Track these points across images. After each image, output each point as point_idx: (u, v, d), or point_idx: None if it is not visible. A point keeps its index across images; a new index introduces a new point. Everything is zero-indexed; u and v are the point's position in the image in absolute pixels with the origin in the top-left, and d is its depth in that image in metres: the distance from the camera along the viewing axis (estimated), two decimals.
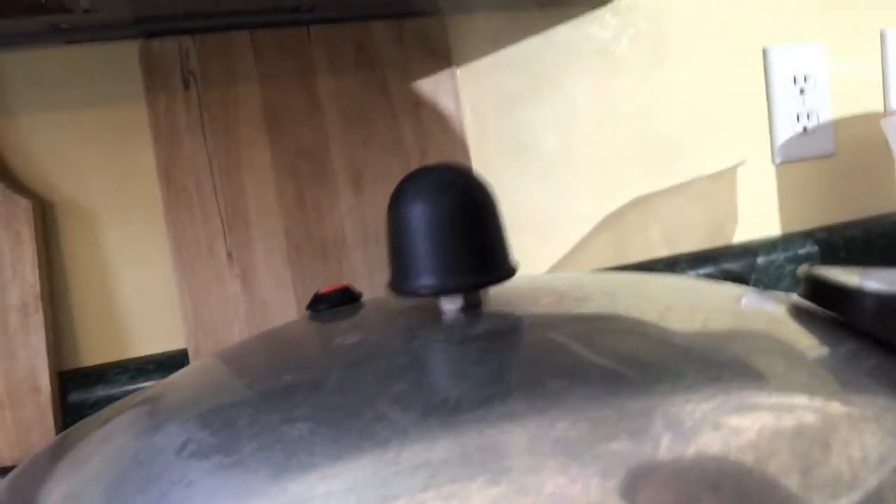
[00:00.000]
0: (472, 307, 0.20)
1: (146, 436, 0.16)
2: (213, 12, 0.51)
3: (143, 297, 0.55)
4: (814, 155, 0.72)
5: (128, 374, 0.54)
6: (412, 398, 0.14)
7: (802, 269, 0.20)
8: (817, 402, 0.14)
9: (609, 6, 0.66)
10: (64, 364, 0.54)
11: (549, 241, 0.65)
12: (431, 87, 0.60)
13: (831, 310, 0.18)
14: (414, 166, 0.59)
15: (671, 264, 0.66)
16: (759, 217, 0.71)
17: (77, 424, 0.26)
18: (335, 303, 0.25)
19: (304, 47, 0.57)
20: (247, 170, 0.55)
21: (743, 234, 0.71)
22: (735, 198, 0.71)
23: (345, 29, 0.57)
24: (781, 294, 0.21)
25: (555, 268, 0.65)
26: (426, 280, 0.19)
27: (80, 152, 0.54)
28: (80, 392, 0.53)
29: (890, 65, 0.74)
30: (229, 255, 0.54)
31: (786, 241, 0.70)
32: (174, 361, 0.54)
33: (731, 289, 0.21)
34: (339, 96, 0.57)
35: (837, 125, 0.73)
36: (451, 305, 0.20)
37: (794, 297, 0.20)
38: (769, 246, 0.69)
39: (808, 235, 0.71)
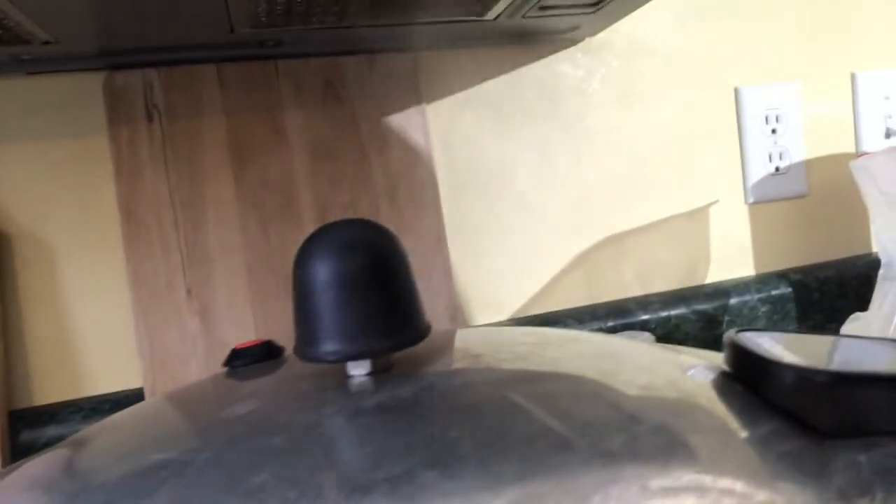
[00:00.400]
0: (382, 371, 0.19)
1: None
2: (178, 45, 0.51)
3: (100, 333, 0.54)
4: (786, 195, 0.72)
5: (81, 414, 0.52)
6: (271, 491, 0.12)
7: (728, 334, 0.19)
8: (732, 486, 0.14)
9: (580, 45, 0.66)
10: (14, 403, 0.52)
11: (519, 279, 0.64)
12: (401, 123, 0.59)
13: (751, 380, 0.17)
14: (382, 202, 0.59)
15: (643, 304, 0.66)
16: (732, 257, 0.71)
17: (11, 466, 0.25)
18: (254, 358, 0.24)
19: (271, 81, 0.56)
20: (210, 204, 0.54)
21: (716, 274, 0.70)
22: (708, 237, 0.70)
23: (313, 64, 0.57)
24: (713, 356, 0.20)
25: (525, 306, 0.64)
26: (331, 345, 0.18)
27: (39, 184, 0.53)
28: (31, 432, 0.51)
29: (861, 107, 0.74)
30: (188, 291, 0.53)
31: (759, 281, 0.69)
32: (129, 400, 0.53)
33: (655, 351, 0.20)
34: (307, 131, 0.57)
35: (810, 166, 0.73)
36: (358, 370, 0.19)
37: (721, 364, 0.19)
38: (742, 287, 0.69)
39: (781, 276, 0.70)
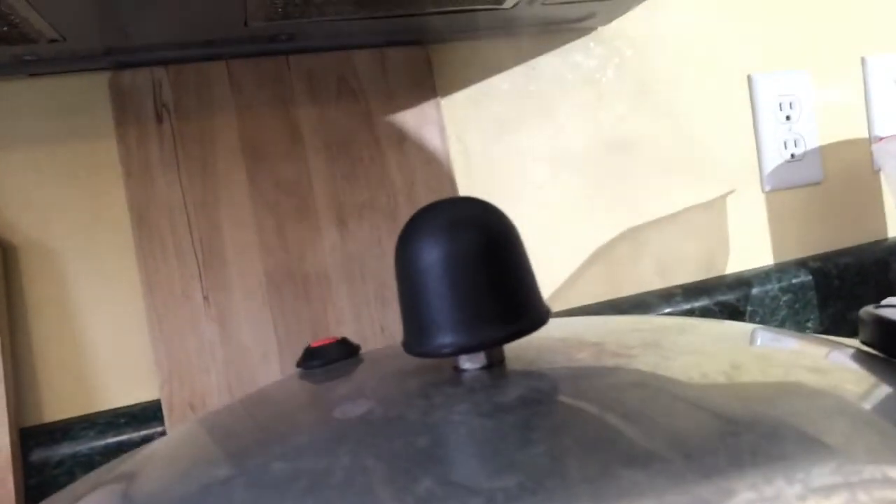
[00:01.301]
0: (496, 364, 0.17)
1: None
2: (187, 42, 0.49)
3: (113, 344, 0.51)
4: (802, 182, 0.71)
5: (96, 429, 0.49)
6: (443, 500, 0.11)
7: (865, 310, 0.18)
8: None
9: (593, 34, 0.65)
10: (25, 420, 0.50)
11: (538, 275, 0.63)
12: (416, 117, 0.58)
13: None
14: (400, 199, 0.57)
15: (665, 297, 0.64)
16: (751, 246, 0.70)
17: (46, 501, 0.22)
18: (330, 358, 0.22)
19: (283, 77, 0.54)
20: (224, 206, 0.52)
21: (736, 264, 0.69)
22: (726, 227, 0.69)
23: (325, 58, 0.55)
24: (843, 340, 0.19)
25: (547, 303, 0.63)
26: (444, 337, 0.16)
27: (45, 191, 0.50)
28: (44, 450, 0.49)
29: (872, 91, 0.74)
30: (205, 297, 0.51)
31: (779, 270, 0.68)
32: (147, 413, 0.50)
33: (786, 336, 0.18)
34: (321, 128, 0.55)
35: (824, 152, 0.72)
36: (471, 364, 0.17)
37: (858, 344, 0.18)
38: (763, 276, 0.68)
39: (801, 264, 0.69)
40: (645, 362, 0.16)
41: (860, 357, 0.17)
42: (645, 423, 0.13)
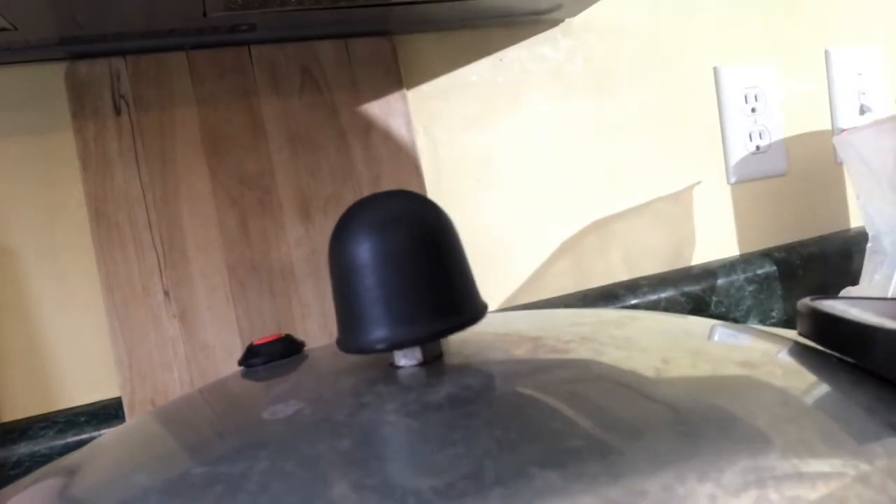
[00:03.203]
0: (432, 360, 0.17)
1: None
2: (146, 32, 0.48)
3: (72, 342, 0.50)
4: (767, 174, 0.72)
5: (55, 428, 0.49)
6: (358, 502, 0.11)
7: (801, 303, 0.18)
8: (838, 469, 0.12)
9: (560, 26, 0.64)
10: None
11: (506, 268, 0.63)
12: (382, 109, 0.57)
13: (841, 351, 0.16)
14: (366, 192, 0.56)
15: (632, 288, 0.65)
16: (716, 238, 0.71)
17: None
18: (273, 356, 0.21)
19: (245, 68, 0.53)
20: (185, 200, 0.51)
21: (702, 255, 0.70)
22: (693, 219, 0.70)
23: (288, 49, 0.55)
24: (781, 331, 0.19)
25: (514, 296, 0.63)
26: (378, 332, 0.16)
27: (0, 186, 0.49)
28: (1, 450, 0.48)
29: (835, 84, 0.75)
30: (166, 293, 0.50)
31: (744, 261, 0.69)
32: (107, 411, 0.50)
33: (728, 330, 0.19)
34: (284, 120, 0.54)
35: (789, 144, 0.73)
36: (406, 360, 0.17)
37: (795, 336, 0.18)
38: (728, 267, 0.68)
39: (766, 255, 0.70)
40: (579, 357, 0.16)
41: (795, 349, 0.17)
42: (568, 422, 0.13)
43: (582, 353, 0.16)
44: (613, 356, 0.16)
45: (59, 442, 0.49)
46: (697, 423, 0.13)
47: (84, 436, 0.49)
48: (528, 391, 0.14)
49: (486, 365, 0.16)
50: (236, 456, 0.13)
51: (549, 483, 0.11)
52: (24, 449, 0.48)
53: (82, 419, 0.49)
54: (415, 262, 0.16)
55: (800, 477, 0.11)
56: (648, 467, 0.11)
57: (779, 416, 0.13)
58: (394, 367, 0.17)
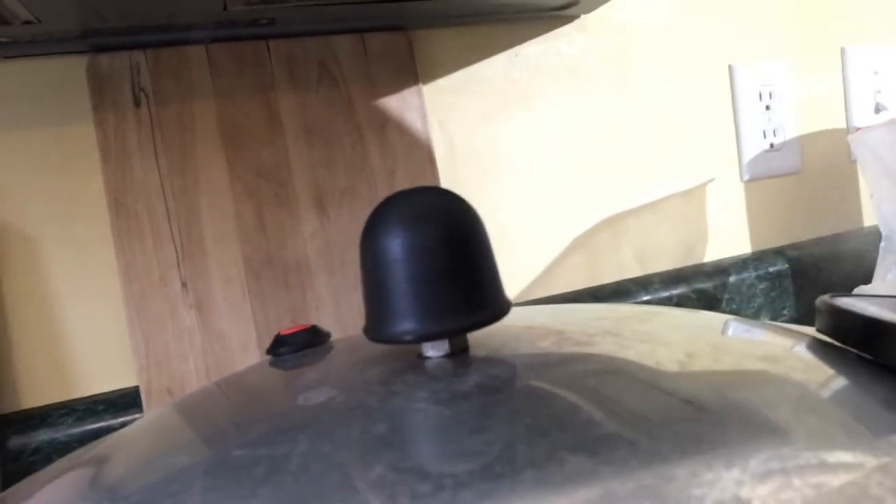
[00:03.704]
0: (459, 352, 0.17)
1: None
2: (166, 25, 0.48)
3: (91, 331, 0.51)
4: (781, 172, 0.72)
5: (74, 416, 0.49)
6: (397, 483, 0.11)
7: (821, 300, 0.18)
8: (848, 461, 0.13)
9: (575, 23, 0.65)
10: (3, 407, 0.49)
11: (519, 263, 0.63)
12: (398, 104, 0.57)
13: (859, 347, 0.16)
14: (381, 186, 0.57)
15: (644, 284, 0.65)
16: (729, 235, 0.71)
17: (15, 486, 0.23)
18: (299, 346, 0.22)
19: (263, 62, 0.54)
20: (203, 192, 0.52)
21: (714, 252, 0.70)
22: (706, 216, 0.70)
23: (306, 44, 0.55)
24: (800, 328, 0.19)
25: (526, 291, 0.63)
26: (407, 324, 0.16)
27: (21, 176, 0.50)
28: (21, 437, 0.48)
29: (850, 82, 0.75)
30: (184, 284, 0.51)
31: (757, 259, 0.69)
32: (125, 400, 0.50)
33: (747, 325, 0.19)
34: (301, 113, 0.55)
35: (803, 142, 0.73)
36: (434, 351, 0.17)
37: (814, 333, 0.18)
38: (740, 264, 0.68)
39: (778, 253, 0.70)
40: (603, 350, 0.16)
41: (814, 345, 0.17)
42: (596, 411, 0.13)
43: (606, 346, 0.17)
44: (638, 349, 0.16)
45: (78, 430, 0.49)
46: (722, 414, 0.13)
47: (102, 423, 0.50)
48: (556, 382, 0.15)
49: (513, 356, 0.17)
50: (275, 439, 0.14)
51: (580, 467, 0.11)
52: (43, 436, 0.49)
53: (100, 407, 0.50)
54: (445, 257, 0.16)
55: (822, 465, 0.11)
56: (676, 455, 0.11)
57: (800, 407, 0.13)
58: (421, 357, 0.18)
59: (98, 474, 0.16)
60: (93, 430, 0.50)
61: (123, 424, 0.50)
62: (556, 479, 0.11)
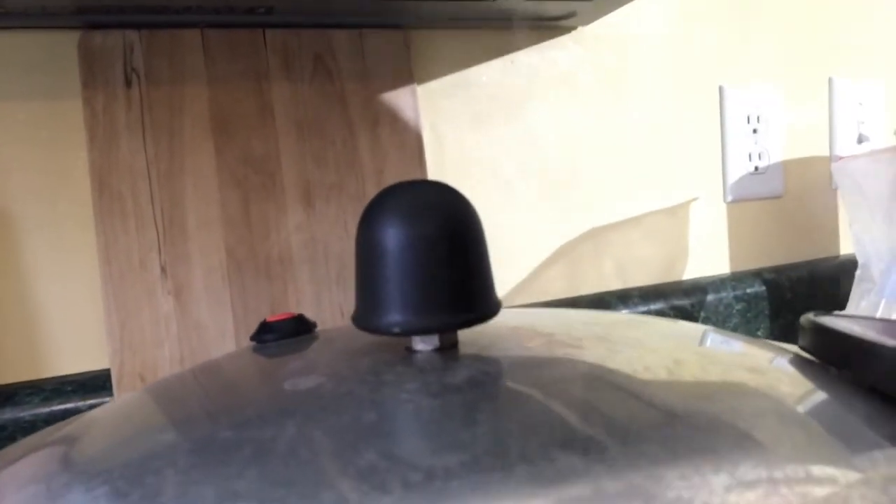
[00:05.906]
0: (448, 347, 0.17)
1: (49, 497, 0.13)
2: (163, 7, 0.48)
3: (65, 311, 0.50)
4: (764, 195, 0.73)
5: (41, 396, 0.48)
6: (385, 473, 0.11)
7: (805, 317, 0.18)
8: (832, 474, 0.13)
9: (573, 34, 0.65)
10: None
11: (501, 268, 0.63)
12: (391, 102, 0.57)
13: (840, 365, 0.16)
14: (369, 184, 0.57)
15: (623, 297, 0.66)
16: (709, 254, 0.72)
17: None
18: (285, 333, 0.22)
19: (258, 51, 0.54)
20: (189, 177, 0.51)
21: (693, 270, 0.71)
22: (688, 234, 0.71)
23: (303, 35, 0.55)
24: (783, 345, 0.19)
25: (507, 297, 0.63)
26: (397, 316, 0.16)
27: (4, 149, 0.49)
28: None
29: (836, 111, 0.76)
30: (163, 269, 0.50)
31: (735, 279, 0.70)
32: (95, 382, 0.50)
33: (733, 338, 0.19)
34: (294, 105, 0.54)
35: (787, 167, 0.74)
36: (424, 345, 0.17)
37: (797, 350, 0.19)
38: (718, 284, 0.69)
39: (756, 275, 0.71)
40: (592, 354, 0.16)
41: (797, 361, 0.17)
42: (586, 411, 0.13)
43: (595, 349, 0.17)
44: (627, 354, 0.16)
45: (45, 410, 0.48)
46: (710, 421, 0.13)
47: (69, 405, 0.49)
48: (546, 380, 0.15)
49: (503, 354, 0.17)
50: (263, 422, 0.13)
51: (571, 465, 0.11)
52: (8, 414, 0.48)
53: (69, 388, 0.49)
54: (441, 252, 0.16)
55: (808, 475, 0.11)
56: (666, 456, 0.12)
57: (785, 419, 0.13)
58: (410, 350, 0.18)
59: (75, 451, 0.16)
60: (60, 410, 0.49)
61: (91, 407, 0.49)
62: (549, 475, 0.11)
